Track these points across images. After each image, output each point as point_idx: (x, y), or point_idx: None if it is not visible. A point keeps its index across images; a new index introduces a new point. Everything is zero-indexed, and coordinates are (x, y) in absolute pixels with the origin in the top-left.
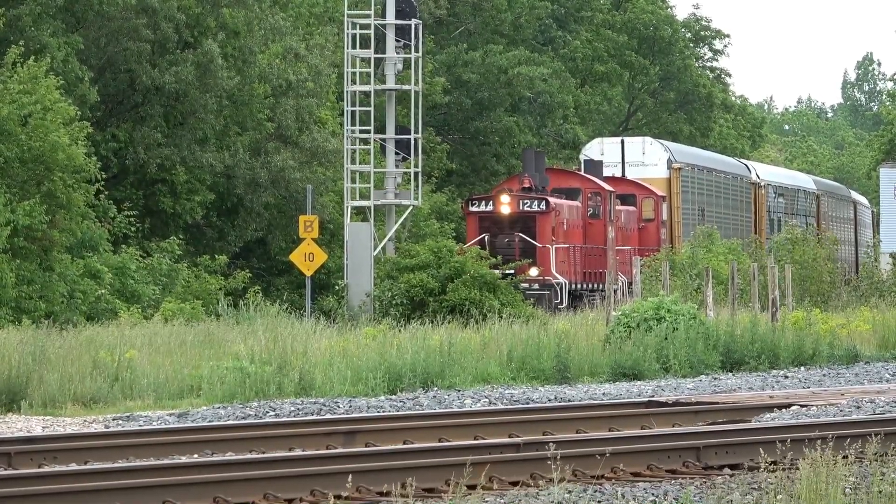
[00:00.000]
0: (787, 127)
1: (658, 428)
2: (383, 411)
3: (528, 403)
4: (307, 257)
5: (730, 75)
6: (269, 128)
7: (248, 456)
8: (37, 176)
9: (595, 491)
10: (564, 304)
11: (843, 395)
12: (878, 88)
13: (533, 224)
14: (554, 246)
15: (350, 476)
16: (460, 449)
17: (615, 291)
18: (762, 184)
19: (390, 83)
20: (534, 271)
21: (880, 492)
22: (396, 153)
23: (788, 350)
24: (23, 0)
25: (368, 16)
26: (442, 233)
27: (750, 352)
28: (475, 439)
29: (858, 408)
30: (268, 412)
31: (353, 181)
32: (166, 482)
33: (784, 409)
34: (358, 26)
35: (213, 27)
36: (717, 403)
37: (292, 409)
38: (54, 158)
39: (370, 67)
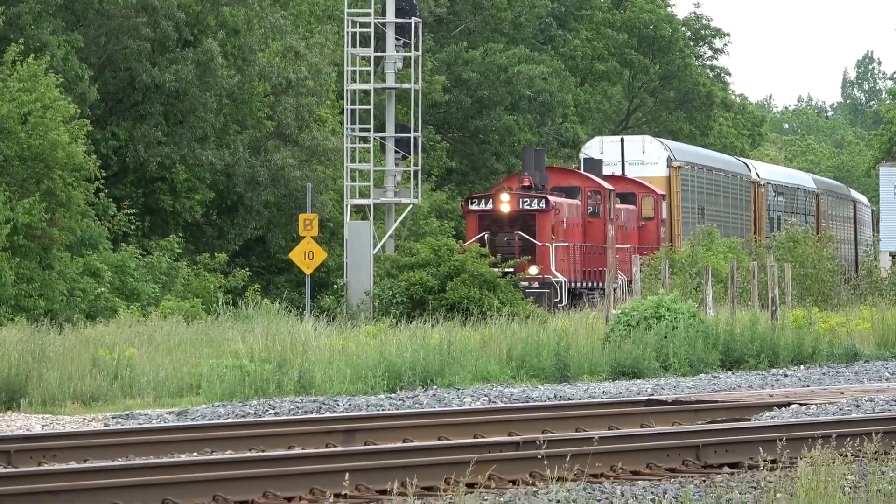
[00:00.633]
0: (786, 125)
1: (657, 426)
2: (383, 410)
3: (527, 402)
4: (307, 255)
5: (729, 74)
6: (268, 126)
7: (248, 454)
8: (36, 174)
9: (595, 489)
10: (564, 303)
11: (842, 393)
12: (878, 87)
13: (533, 222)
14: (553, 244)
15: (349, 474)
16: (460, 447)
17: (615, 290)
18: (762, 182)
19: (390, 81)
20: (533, 270)
21: (879, 490)
22: (396, 151)
23: (788, 349)
24: None
25: (368, 14)
26: (441, 231)
27: (749, 350)
28: (474, 438)
29: (858, 406)
30: (267, 410)
31: (353, 179)
32: (165, 480)
33: (783, 408)
34: (358, 24)
35: (213, 25)
36: (717, 402)
37: (292, 407)
38: (54, 156)
39: (370, 66)
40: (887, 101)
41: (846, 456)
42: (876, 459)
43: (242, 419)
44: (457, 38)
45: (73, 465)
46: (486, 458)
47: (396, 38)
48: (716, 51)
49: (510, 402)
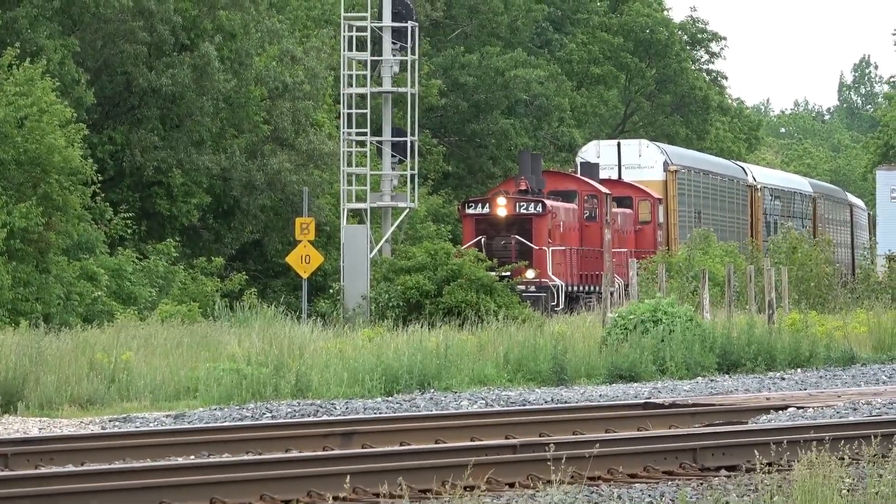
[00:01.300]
0: (783, 129)
1: (655, 429)
2: (380, 413)
3: (524, 405)
4: (303, 259)
5: (726, 78)
6: (265, 130)
7: (245, 457)
8: (33, 178)
9: (592, 492)
10: (561, 306)
11: (839, 396)
12: (874, 91)
13: (529, 226)
14: (550, 248)
15: (348, 477)
16: (457, 451)
17: (612, 293)
18: (758, 186)
19: (387, 86)
20: (530, 273)
21: (877, 493)
22: (393, 155)
23: (785, 352)
24: (19, 2)
25: (365, 18)
26: (438, 235)
27: (746, 354)
28: (472, 441)
29: (855, 409)
30: (264, 413)
31: (350, 183)
32: (163, 483)
33: (780, 411)
34: (354, 29)
35: (210, 30)
36: (714, 405)
37: (289, 410)
38: (50, 161)
39: (366, 70)
40: (884, 105)
41: (843, 459)
42: (873, 462)
43: (239, 422)
44: (453, 42)
45: (70, 468)
46: (484, 462)
47: (393, 43)
48: (712, 55)
49: (507, 406)
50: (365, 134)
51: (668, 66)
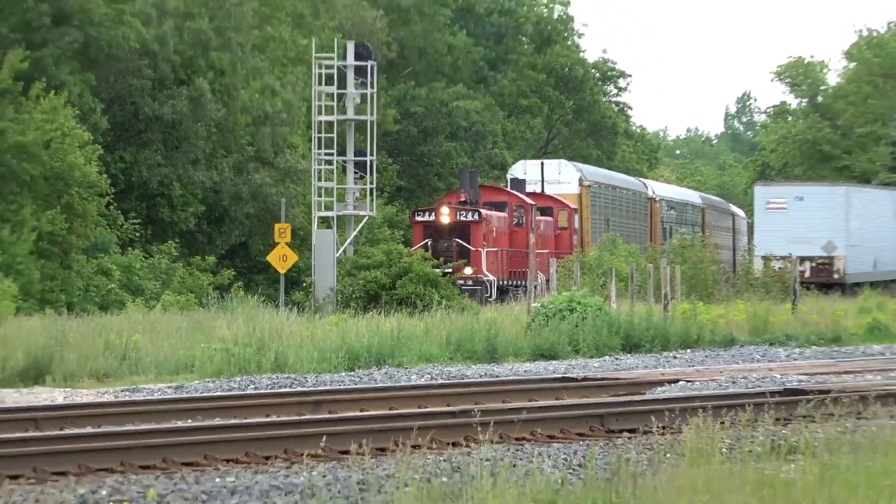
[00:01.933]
0: (678, 151)
1: (569, 399)
2: (344, 385)
3: (462, 379)
4: (281, 258)
5: (631, 108)
6: (249, 151)
7: (233, 421)
8: (57, 190)
9: (517, 450)
10: (493, 298)
11: (721, 372)
12: (753, 120)
13: (468, 231)
14: (485, 249)
15: (324, 438)
16: (407, 416)
17: (535, 287)
18: (657, 199)
19: (350, 114)
20: (468, 270)
21: (750, 451)
22: (355, 172)
23: (677, 335)
24: (45, 44)
25: (332, 58)
26: (392, 238)
27: (645, 337)
28: (419, 408)
29: (734, 383)
30: (248, 385)
31: (320, 195)
32: (165, 443)
33: (673, 384)
34: (324, 67)
35: (204, 67)
36: (618, 379)
37: (269, 383)
38: (72, 176)
39: (334, 101)
40: (761, 132)
41: (723, 423)
42: (748, 426)
43: (228, 393)
44: (405, 78)
45: (88, 429)
46: (429, 425)
47: (356, 78)
48: (620, 89)
49: (448, 379)
50: (332, 154)
51: (584, 98)
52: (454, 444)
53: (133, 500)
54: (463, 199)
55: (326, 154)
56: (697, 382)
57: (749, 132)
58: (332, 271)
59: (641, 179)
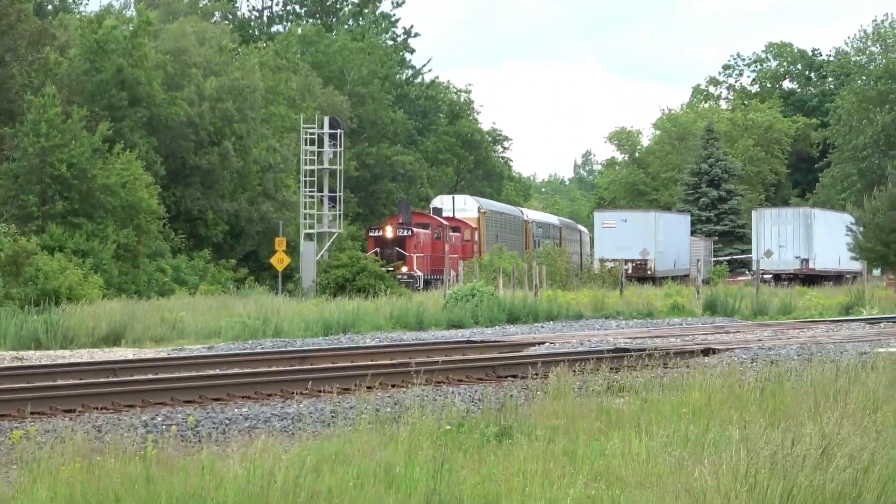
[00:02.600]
0: (543, 189)
1: (472, 355)
2: (321, 346)
3: (400, 342)
4: (280, 260)
5: (512, 160)
6: (258, 189)
7: (246, 370)
8: (130, 215)
9: (437, 389)
10: (421, 287)
11: (573, 337)
12: (593, 169)
13: (404, 243)
14: (415, 255)
15: (309, 383)
16: (364, 367)
17: (449, 280)
18: (530, 221)
19: (326, 164)
20: (404, 269)
21: (593, 390)
22: (329, 203)
23: (544, 312)
24: (123, 118)
25: (314, 128)
26: (354, 248)
27: (522, 312)
28: (372, 361)
29: (582, 344)
30: (257, 346)
31: (305, 219)
32: (200, 385)
33: (541, 345)
34: (307, 132)
35: (228, 134)
36: (505, 342)
37: (271, 344)
38: (139, 206)
39: (315, 156)
40: (598, 177)
41: (575, 371)
42: (592, 373)
43: (243, 351)
44: (362, 141)
45: (149, 376)
46: (378, 373)
47: (329, 141)
48: (504, 148)
49: (391, 342)
50: (314, 191)
51: (480, 154)
52: (395, 386)
53: (178, 423)
54: (401, 222)
55: (310, 191)
56: (558, 343)
57: (590, 176)
58: (314, 270)
59: (519, 208)
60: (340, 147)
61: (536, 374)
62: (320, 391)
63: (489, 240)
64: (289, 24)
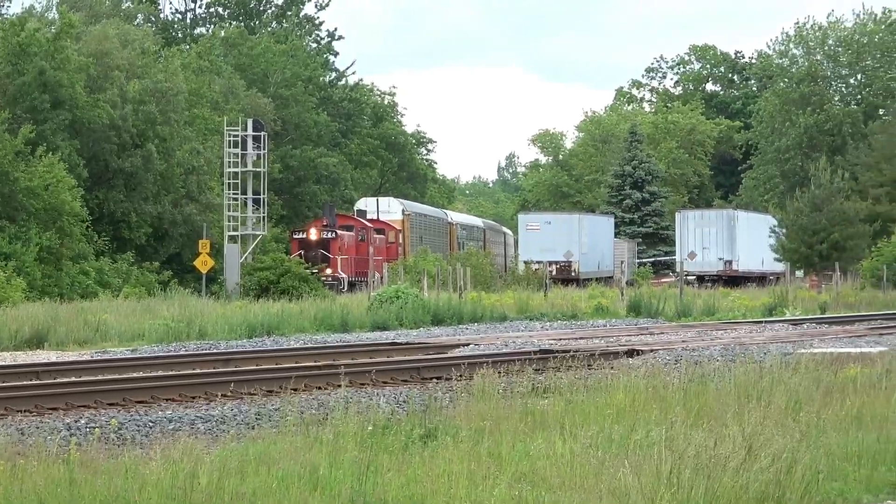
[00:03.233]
0: (467, 192)
1: (397, 357)
2: (245, 348)
3: (325, 343)
4: (204, 263)
5: (436, 163)
6: (182, 191)
7: (171, 372)
8: (53, 217)
9: (361, 391)
10: (345, 289)
11: (498, 338)
12: (517, 171)
13: (328, 245)
14: (340, 257)
15: (231, 385)
16: (288, 368)
17: (373, 282)
18: (454, 223)
19: (250, 167)
20: (329, 271)
21: (518, 391)
22: (253, 205)
23: (468, 314)
24: (45, 121)
25: (237, 130)
26: (278, 250)
27: (447, 314)
28: (296, 363)
29: (506, 346)
30: (181, 349)
31: (229, 221)
32: (124, 388)
33: (466, 346)
34: (231, 135)
35: (152, 136)
36: (430, 343)
37: (195, 347)
38: (63, 208)
39: (239, 158)
40: (522, 179)
41: (500, 373)
42: (516, 374)
43: (167, 353)
44: (287, 142)
45: (72, 378)
46: (302, 375)
47: (253, 144)
48: (428, 150)
49: (316, 344)
50: (237, 194)
51: (405, 156)
52: (320, 388)
53: (102, 426)
54: (325, 224)
55: (234, 194)
56: (483, 345)
57: (514, 178)
58: (237, 272)
59: (444, 210)
60: (264, 149)
61: (461, 376)
62: (245, 393)
63: (413, 242)
64: (212, 26)
